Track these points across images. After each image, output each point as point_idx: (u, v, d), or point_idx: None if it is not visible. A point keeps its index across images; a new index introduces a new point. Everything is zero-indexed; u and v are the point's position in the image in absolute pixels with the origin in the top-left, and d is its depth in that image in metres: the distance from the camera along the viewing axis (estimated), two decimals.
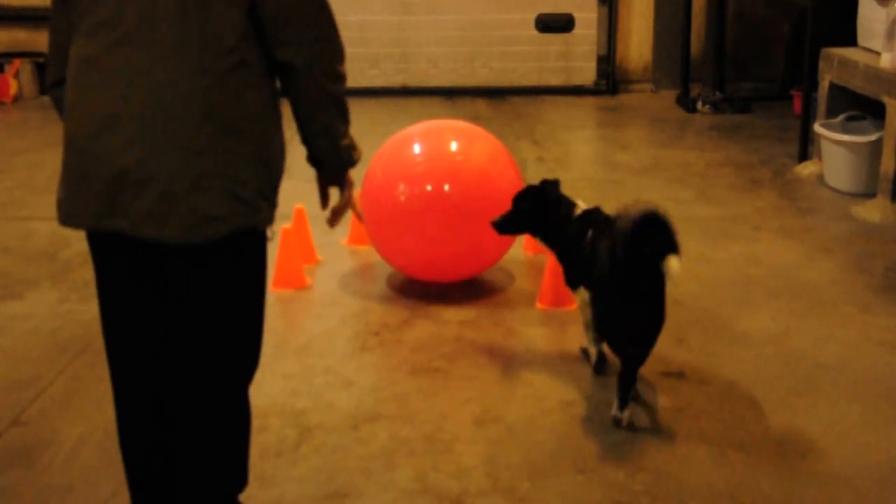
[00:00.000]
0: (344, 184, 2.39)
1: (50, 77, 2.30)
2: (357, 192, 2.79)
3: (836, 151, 5.46)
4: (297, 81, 2.16)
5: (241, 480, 2.43)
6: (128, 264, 2.20)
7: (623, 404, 3.06)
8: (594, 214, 3.38)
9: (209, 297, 2.20)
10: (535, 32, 8.32)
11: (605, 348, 3.32)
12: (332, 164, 2.32)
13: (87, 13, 2.12)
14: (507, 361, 3.57)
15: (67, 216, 2.16)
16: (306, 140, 2.27)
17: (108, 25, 2.08)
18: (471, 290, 4.13)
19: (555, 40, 8.34)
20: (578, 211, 3.41)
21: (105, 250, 2.22)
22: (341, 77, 2.20)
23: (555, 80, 8.43)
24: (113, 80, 2.07)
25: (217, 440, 2.34)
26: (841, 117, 5.60)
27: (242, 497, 2.52)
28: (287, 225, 4.28)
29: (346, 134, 2.28)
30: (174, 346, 2.24)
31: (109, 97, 2.07)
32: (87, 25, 2.12)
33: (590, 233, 3.25)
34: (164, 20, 2.05)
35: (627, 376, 3.07)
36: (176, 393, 2.27)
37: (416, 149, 4.07)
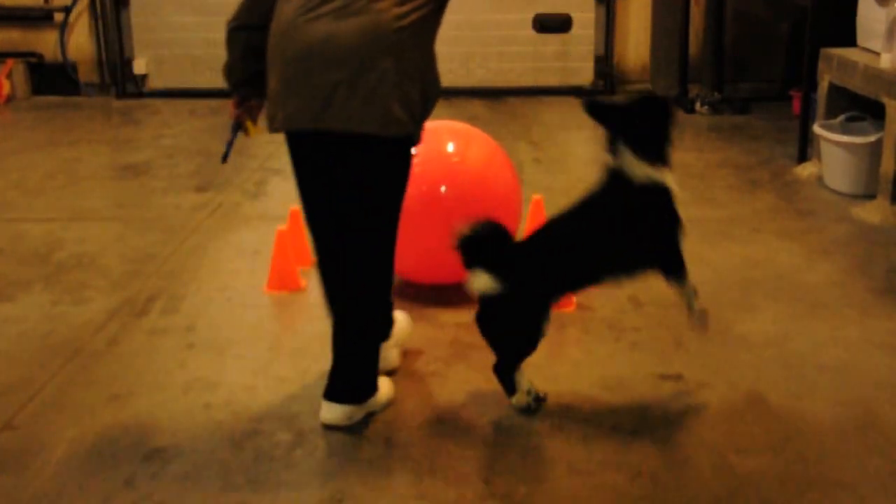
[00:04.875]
0: None
1: (239, 21, 2.99)
2: None
3: (836, 152, 5.44)
4: None
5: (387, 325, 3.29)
6: (324, 156, 2.89)
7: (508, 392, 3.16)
8: None
9: (381, 177, 2.92)
10: (533, 32, 8.27)
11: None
12: None
13: None
14: None
15: (289, 119, 2.83)
16: None
17: None
18: (468, 292, 4.09)
19: (552, 40, 8.31)
20: None
21: (306, 146, 2.92)
22: None
23: (552, 81, 8.40)
24: (327, 18, 2.76)
25: (373, 287, 3.08)
26: (840, 118, 5.57)
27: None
28: (282, 226, 4.24)
29: None
30: (356, 211, 2.93)
31: (325, 30, 2.75)
32: None
33: None
34: None
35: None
36: (351, 241, 2.98)
37: (413, 149, 4.03)
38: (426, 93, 2.85)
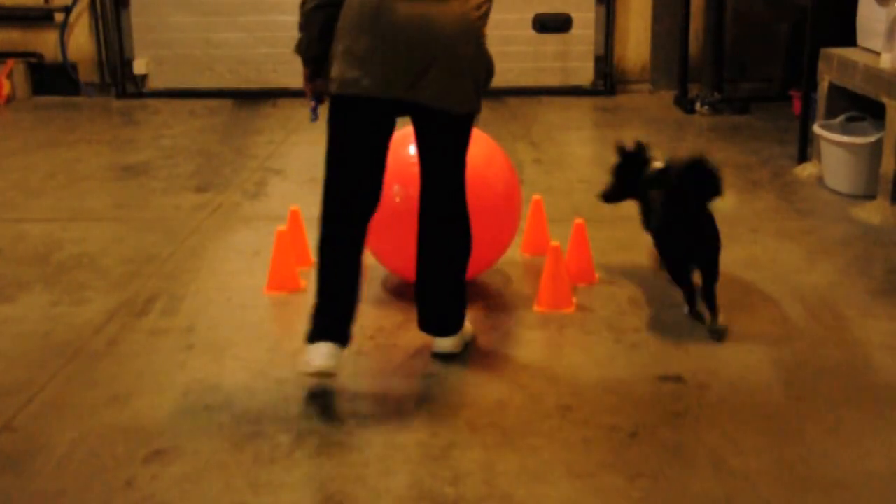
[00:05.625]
0: None
1: (318, 0, 3.27)
2: None
3: (836, 152, 5.43)
4: None
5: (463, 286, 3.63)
6: (384, 121, 3.32)
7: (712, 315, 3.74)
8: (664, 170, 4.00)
9: (450, 142, 3.40)
10: (533, 32, 8.28)
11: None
12: None
13: None
14: (504, 365, 3.54)
15: (378, 86, 3.16)
16: None
17: None
18: (467, 292, 4.09)
19: (552, 40, 8.31)
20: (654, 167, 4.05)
21: (377, 111, 3.26)
22: None
23: (552, 81, 8.39)
24: (419, 0, 3.13)
25: (458, 231, 3.52)
26: (840, 118, 5.57)
27: None
28: (282, 226, 4.24)
29: None
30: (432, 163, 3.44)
31: (421, 11, 3.12)
32: None
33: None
34: None
35: (704, 292, 3.75)
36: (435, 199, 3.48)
37: (412, 149, 4.03)
38: (488, 72, 3.35)
